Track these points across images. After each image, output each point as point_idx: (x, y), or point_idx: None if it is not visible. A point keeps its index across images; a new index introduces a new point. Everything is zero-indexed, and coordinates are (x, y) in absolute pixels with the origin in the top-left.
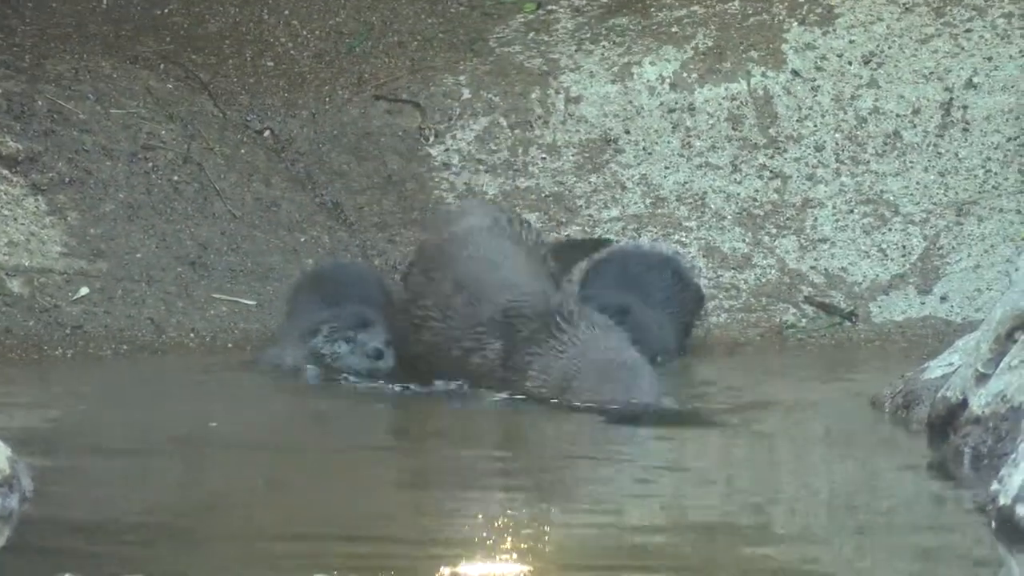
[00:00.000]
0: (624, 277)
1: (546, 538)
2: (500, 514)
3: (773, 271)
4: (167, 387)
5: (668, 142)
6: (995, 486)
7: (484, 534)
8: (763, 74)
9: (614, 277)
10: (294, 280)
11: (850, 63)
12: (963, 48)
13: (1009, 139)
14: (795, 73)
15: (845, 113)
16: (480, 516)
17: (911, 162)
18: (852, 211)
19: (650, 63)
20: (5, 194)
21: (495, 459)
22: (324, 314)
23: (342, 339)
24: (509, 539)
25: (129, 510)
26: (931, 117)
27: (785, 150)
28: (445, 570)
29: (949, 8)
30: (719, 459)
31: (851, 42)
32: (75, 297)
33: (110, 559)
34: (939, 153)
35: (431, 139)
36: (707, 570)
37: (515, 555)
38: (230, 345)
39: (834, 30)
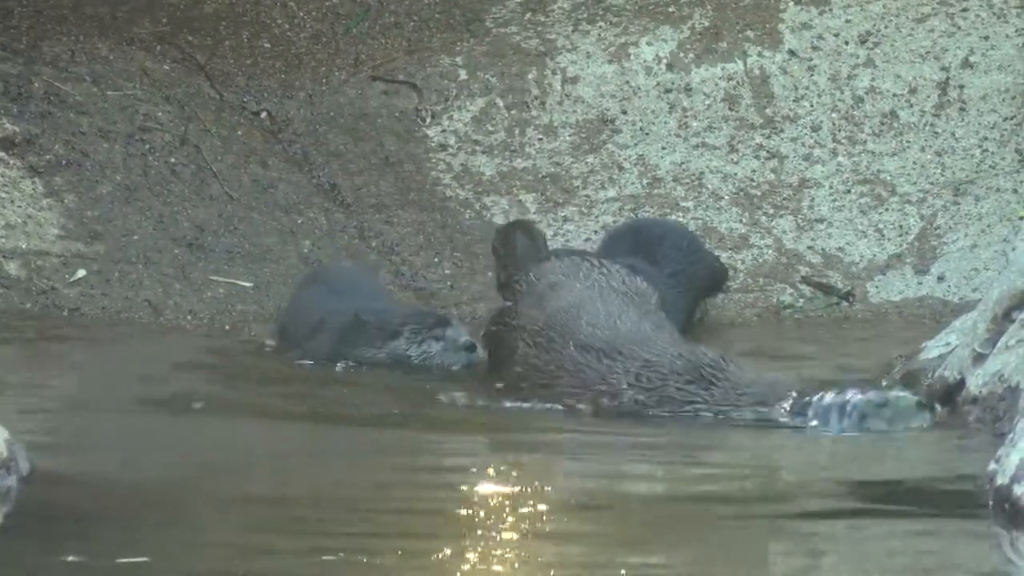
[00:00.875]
0: (636, 247)
1: (545, 515)
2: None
3: (770, 251)
4: (165, 367)
5: (665, 122)
6: (992, 466)
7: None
8: (759, 54)
9: (627, 246)
10: (299, 278)
11: (846, 43)
12: (959, 27)
13: (1006, 119)
14: (791, 53)
15: (842, 93)
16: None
17: (908, 142)
18: (849, 191)
19: (647, 43)
20: (2, 176)
21: (494, 442)
22: (392, 317)
23: (430, 338)
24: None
25: (127, 490)
26: (928, 97)
27: (782, 130)
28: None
29: None
30: (717, 439)
31: (847, 22)
32: (72, 279)
33: (109, 541)
34: (936, 133)
35: (428, 120)
36: (706, 534)
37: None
38: (227, 327)
39: (830, 10)
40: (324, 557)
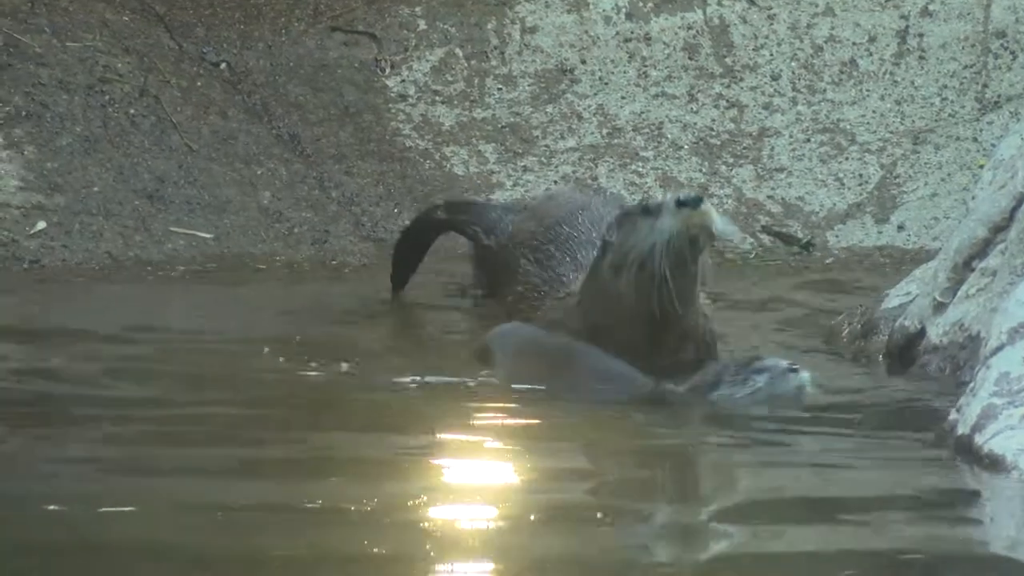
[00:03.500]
0: None
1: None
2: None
3: (730, 200)
4: (127, 317)
5: (624, 72)
6: (953, 415)
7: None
8: (719, 3)
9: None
10: None
11: None
12: None
13: (965, 67)
14: (751, 2)
15: (801, 42)
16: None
17: (867, 90)
18: (809, 140)
19: None
20: None
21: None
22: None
23: (752, 375)
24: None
25: (87, 440)
26: (887, 45)
27: (741, 79)
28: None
29: None
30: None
31: None
32: (32, 231)
33: (70, 493)
34: (895, 81)
35: (387, 70)
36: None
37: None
38: (187, 278)
39: None
40: None
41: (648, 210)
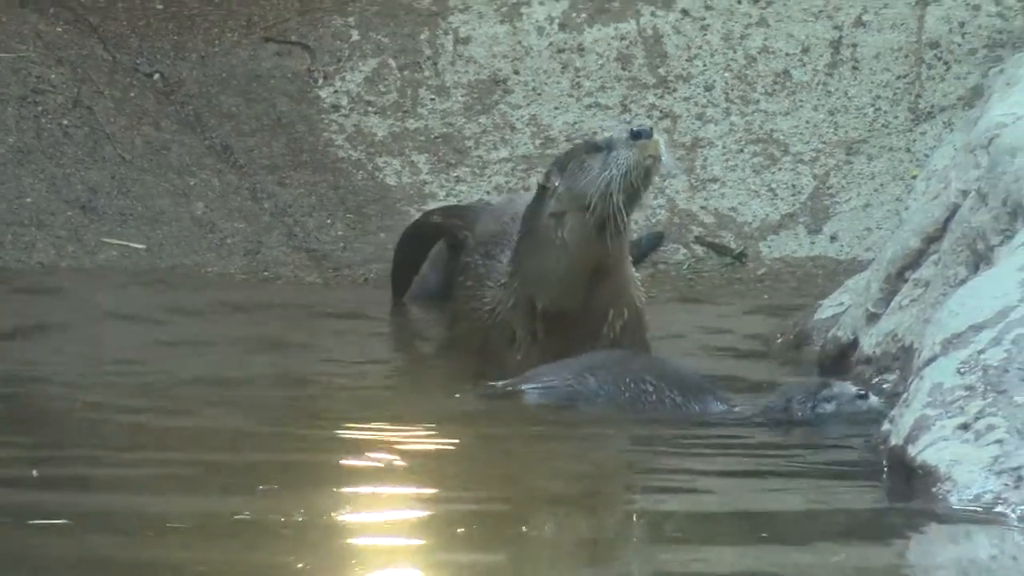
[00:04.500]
0: None
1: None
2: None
3: (663, 211)
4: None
5: (557, 83)
6: (886, 426)
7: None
8: (652, 13)
9: None
10: None
11: (739, 2)
12: None
13: (898, 77)
14: (684, 12)
15: (735, 52)
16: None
17: (801, 101)
18: (742, 150)
19: (539, 3)
20: None
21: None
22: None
23: (821, 402)
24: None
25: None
26: (820, 56)
27: (675, 90)
28: None
29: None
30: None
31: None
32: None
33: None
34: (829, 92)
35: (320, 81)
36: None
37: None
38: (120, 288)
39: None
40: None
41: (598, 146)
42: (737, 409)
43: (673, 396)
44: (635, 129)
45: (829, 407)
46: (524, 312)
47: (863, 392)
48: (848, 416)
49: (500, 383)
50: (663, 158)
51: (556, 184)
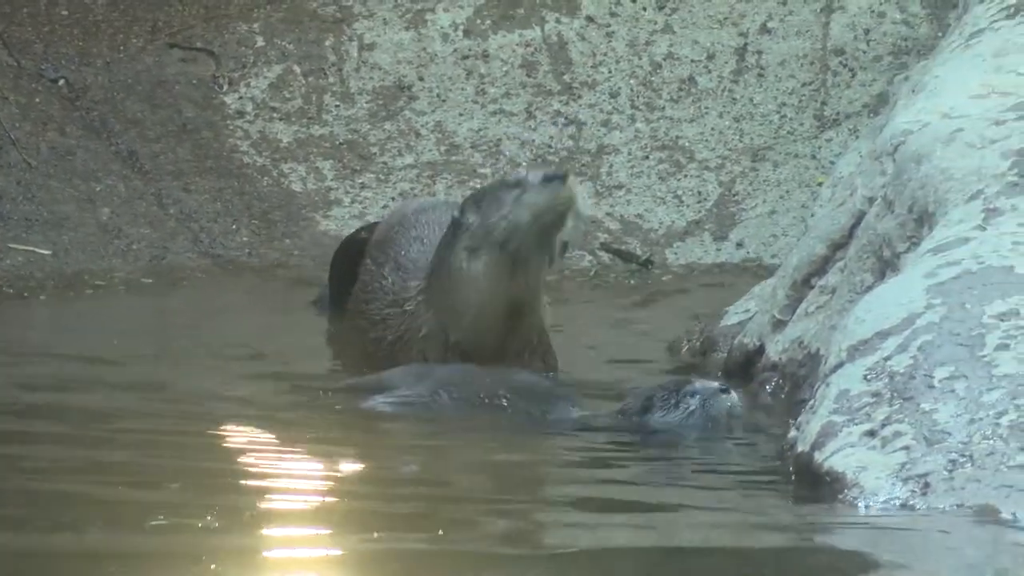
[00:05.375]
0: None
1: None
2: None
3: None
4: None
5: (462, 89)
6: (793, 432)
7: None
8: (557, 20)
9: None
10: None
11: (644, 8)
12: None
13: (804, 84)
14: (590, 19)
15: (640, 59)
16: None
17: (706, 108)
18: (647, 157)
19: (443, 9)
20: None
21: None
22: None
23: (685, 397)
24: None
25: None
26: (726, 63)
27: (580, 96)
28: None
29: None
30: None
31: None
32: None
33: None
34: (734, 99)
35: (225, 87)
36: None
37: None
38: (26, 294)
39: None
40: None
41: (512, 185)
42: (596, 413)
43: (528, 408)
44: (548, 174)
45: (694, 402)
46: (437, 343)
47: (725, 387)
48: (713, 411)
49: (353, 381)
50: (578, 205)
51: (471, 219)
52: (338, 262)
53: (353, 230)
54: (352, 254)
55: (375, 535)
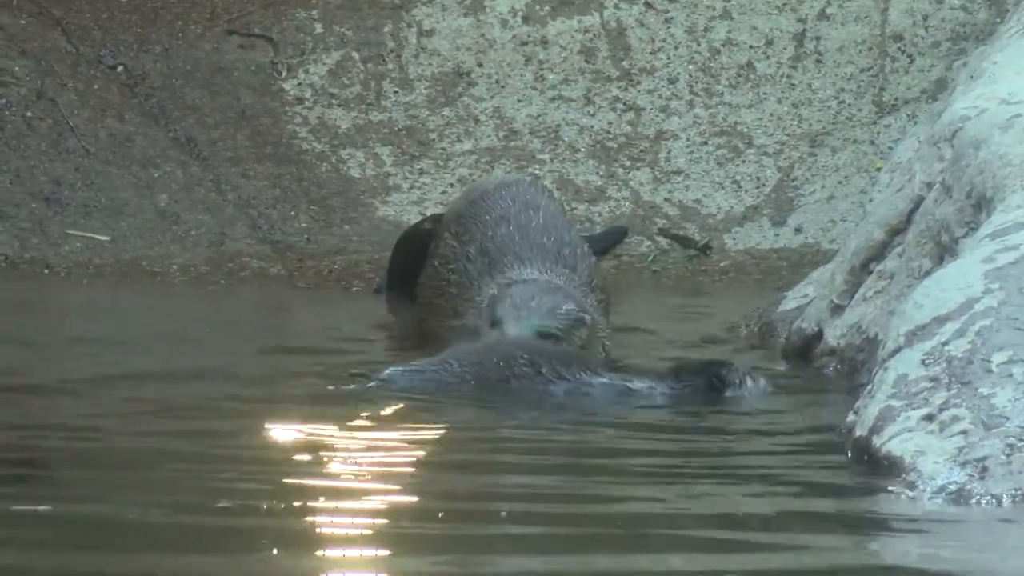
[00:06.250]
0: None
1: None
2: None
3: (627, 203)
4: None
5: (521, 75)
6: (851, 417)
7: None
8: (616, 6)
9: None
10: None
11: None
12: None
13: (862, 70)
14: (648, 5)
15: (698, 45)
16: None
17: (764, 93)
18: (706, 143)
19: None
20: None
21: None
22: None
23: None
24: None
25: None
26: (784, 48)
27: (638, 82)
28: None
29: None
30: None
31: None
32: None
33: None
34: (792, 84)
35: (284, 73)
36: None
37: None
38: (84, 281)
39: None
40: None
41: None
42: (632, 384)
43: (559, 372)
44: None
45: (763, 382)
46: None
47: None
48: (739, 391)
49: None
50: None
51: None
52: (400, 251)
53: (411, 216)
54: (415, 245)
55: (439, 515)
